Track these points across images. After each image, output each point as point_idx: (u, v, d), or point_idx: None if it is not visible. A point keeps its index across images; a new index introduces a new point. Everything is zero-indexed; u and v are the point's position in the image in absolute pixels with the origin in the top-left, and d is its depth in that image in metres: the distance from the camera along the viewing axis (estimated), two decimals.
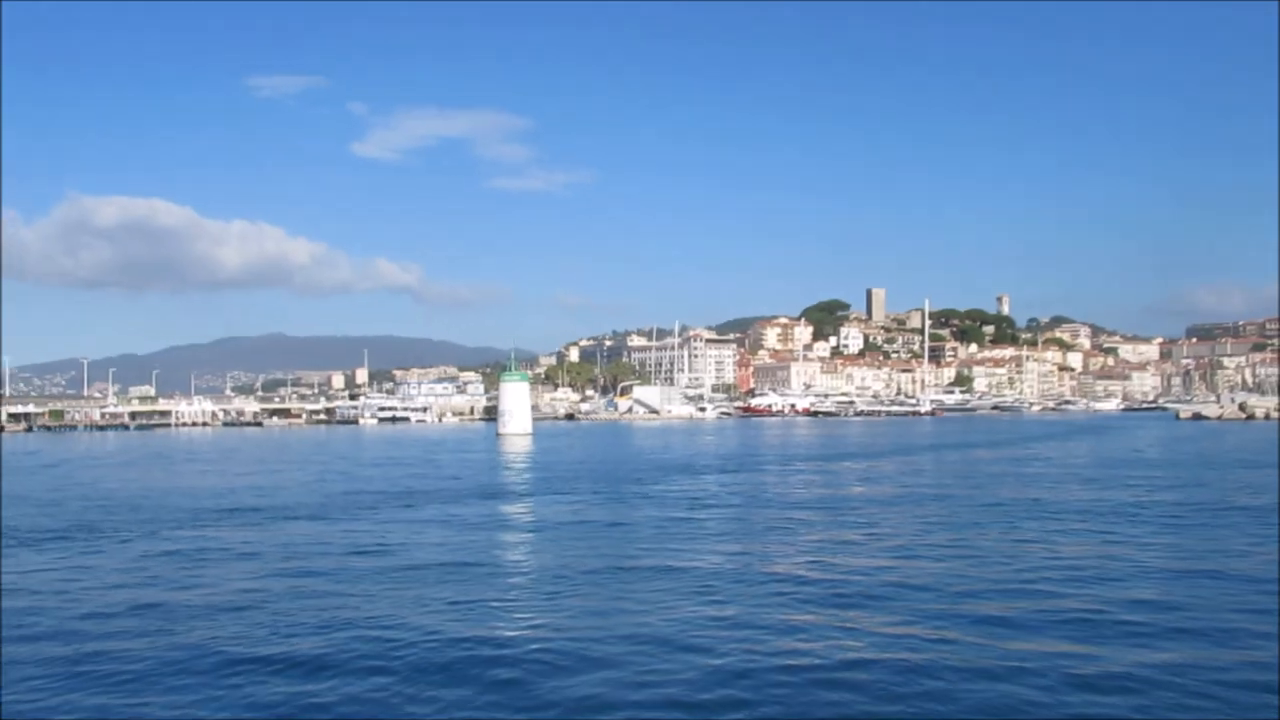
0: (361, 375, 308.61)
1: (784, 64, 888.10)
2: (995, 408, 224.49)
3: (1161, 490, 35.05)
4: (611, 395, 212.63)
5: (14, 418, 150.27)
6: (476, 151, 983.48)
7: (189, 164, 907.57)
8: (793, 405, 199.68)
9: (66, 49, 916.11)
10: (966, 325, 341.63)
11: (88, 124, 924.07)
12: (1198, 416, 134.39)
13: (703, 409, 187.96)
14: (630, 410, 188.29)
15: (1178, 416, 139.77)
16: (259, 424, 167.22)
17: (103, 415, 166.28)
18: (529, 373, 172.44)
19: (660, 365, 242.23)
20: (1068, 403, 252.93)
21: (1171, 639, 12.80)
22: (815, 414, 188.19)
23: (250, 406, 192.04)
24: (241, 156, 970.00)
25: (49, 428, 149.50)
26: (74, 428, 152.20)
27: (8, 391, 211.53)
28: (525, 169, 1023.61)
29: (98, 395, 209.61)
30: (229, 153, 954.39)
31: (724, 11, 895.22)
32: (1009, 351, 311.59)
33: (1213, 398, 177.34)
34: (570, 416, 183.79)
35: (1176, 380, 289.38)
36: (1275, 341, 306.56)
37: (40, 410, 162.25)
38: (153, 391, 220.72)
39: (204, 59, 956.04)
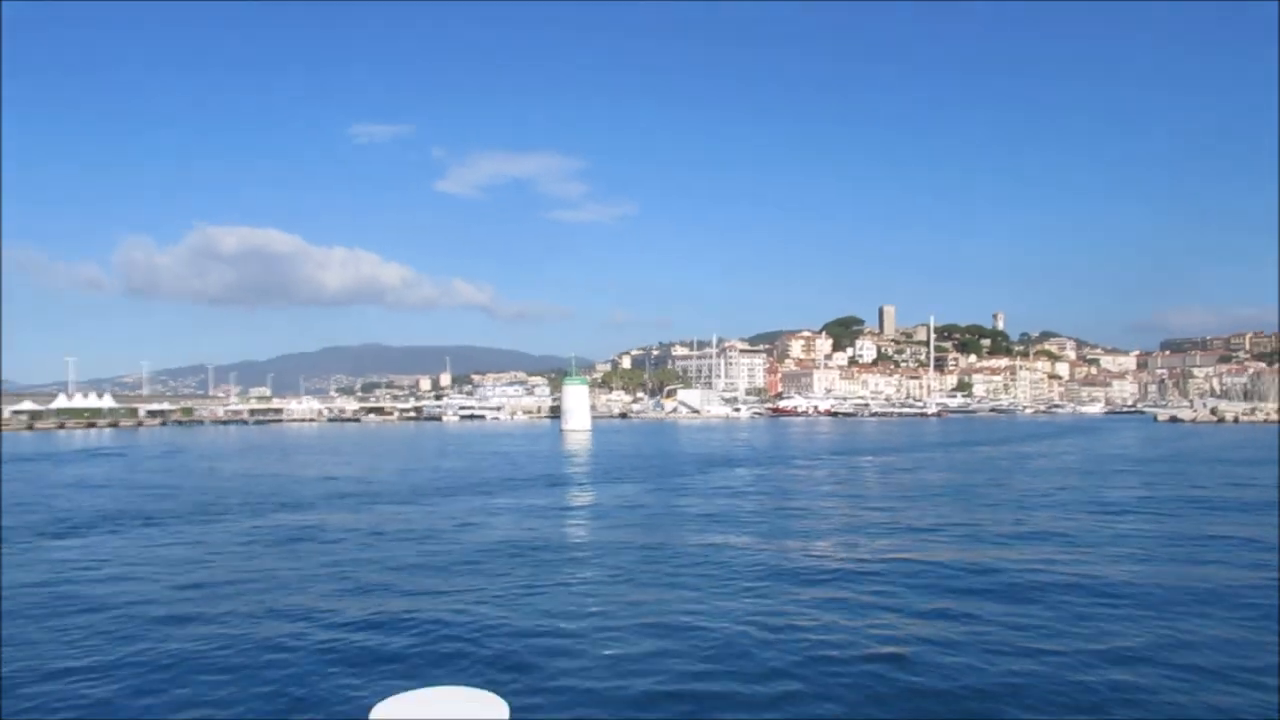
0: (445, 379, 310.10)
1: (801, 107, 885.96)
2: (993, 410, 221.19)
3: (1163, 483, 33.75)
4: (659, 397, 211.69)
5: (152, 414, 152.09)
6: (539, 188, 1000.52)
7: (299, 199, 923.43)
8: (815, 407, 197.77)
9: (194, 106, 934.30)
10: (967, 338, 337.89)
11: (214, 164, 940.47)
12: (1174, 419, 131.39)
13: (737, 410, 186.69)
14: (675, 410, 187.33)
15: (1156, 419, 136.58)
16: (357, 420, 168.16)
17: (226, 412, 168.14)
18: (588, 378, 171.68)
19: (700, 372, 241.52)
20: (1056, 406, 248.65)
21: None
22: (835, 414, 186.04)
23: (350, 405, 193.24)
24: (343, 193, 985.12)
25: (181, 422, 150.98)
26: (201, 423, 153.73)
27: (146, 392, 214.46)
28: (581, 203, 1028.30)
29: (221, 395, 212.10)
30: (332, 189, 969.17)
31: (744, 56, 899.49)
32: (1004, 361, 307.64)
33: (1186, 403, 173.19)
34: (623, 415, 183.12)
35: (1153, 388, 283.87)
36: (1239, 354, 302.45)
37: (174, 408, 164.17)
38: (268, 392, 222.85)
39: (313, 111, 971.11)
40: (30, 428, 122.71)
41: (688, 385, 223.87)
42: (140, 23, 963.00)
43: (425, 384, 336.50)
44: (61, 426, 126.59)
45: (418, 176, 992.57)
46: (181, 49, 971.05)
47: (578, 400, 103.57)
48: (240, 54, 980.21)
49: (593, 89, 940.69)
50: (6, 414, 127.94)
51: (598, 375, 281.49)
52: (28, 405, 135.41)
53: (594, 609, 13.02)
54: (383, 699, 1.57)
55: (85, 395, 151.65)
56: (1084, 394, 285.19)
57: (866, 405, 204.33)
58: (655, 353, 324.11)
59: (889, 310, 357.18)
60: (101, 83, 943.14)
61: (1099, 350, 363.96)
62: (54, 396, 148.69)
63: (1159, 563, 16.68)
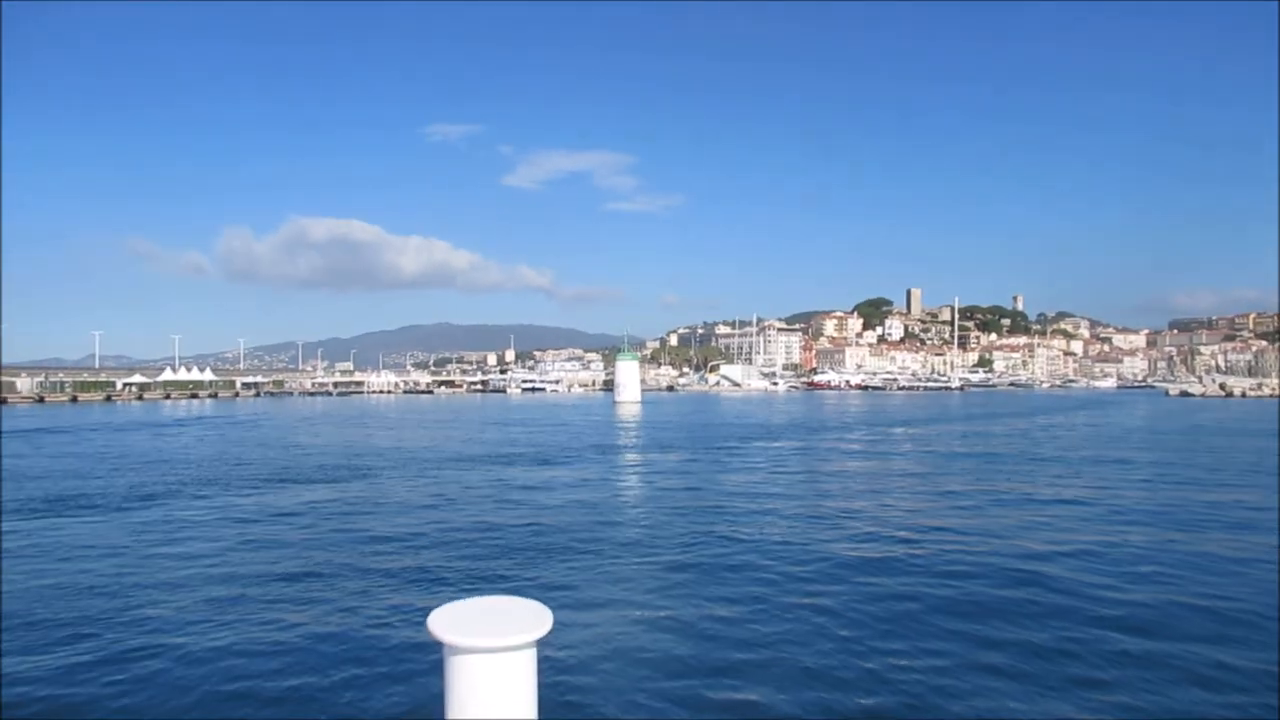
0: (509, 355, 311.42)
1: (833, 104, 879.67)
2: (1012, 385, 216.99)
3: (1200, 455, 31.92)
4: (703, 372, 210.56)
5: (247, 386, 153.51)
6: (595, 182, 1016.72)
7: (380, 193, 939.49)
8: (847, 381, 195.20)
9: (287, 110, 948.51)
10: (988, 318, 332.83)
11: (305, 162, 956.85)
12: (1184, 394, 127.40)
13: (775, 384, 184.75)
14: (718, 384, 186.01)
15: (1167, 394, 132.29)
16: (430, 392, 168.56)
17: (313, 385, 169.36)
18: (638, 354, 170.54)
19: (741, 348, 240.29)
20: (1071, 381, 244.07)
21: None
22: (865, 388, 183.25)
23: (424, 378, 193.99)
24: (419, 186, 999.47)
25: (272, 394, 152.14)
26: (291, 394, 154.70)
27: (243, 366, 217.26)
28: (633, 195, 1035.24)
29: (309, 369, 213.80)
30: (410, 183, 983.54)
31: (776, 55, 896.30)
32: (1023, 340, 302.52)
33: (1194, 378, 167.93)
34: (670, 388, 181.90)
35: (1162, 364, 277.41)
36: (1243, 333, 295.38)
37: (266, 380, 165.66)
38: (351, 367, 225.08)
39: (391, 112, 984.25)
40: (140, 398, 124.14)
41: (730, 361, 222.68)
42: (232, 37, 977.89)
43: (491, 359, 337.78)
44: (167, 397, 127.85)
45: (487, 171, 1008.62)
46: (274, 59, 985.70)
47: (629, 374, 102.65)
48: (325, 62, 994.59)
49: (642, 92, 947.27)
50: (119, 385, 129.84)
51: (648, 351, 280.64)
52: (138, 378, 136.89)
53: (647, 566, 11.96)
54: (439, 606, 2.03)
55: (189, 369, 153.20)
56: (1097, 370, 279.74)
57: (894, 380, 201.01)
58: (700, 331, 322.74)
59: (916, 292, 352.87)
60: (205, 91, 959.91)
61: (1111, 329, 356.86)
62: (161, 370, 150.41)
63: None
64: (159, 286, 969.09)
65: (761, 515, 17.16)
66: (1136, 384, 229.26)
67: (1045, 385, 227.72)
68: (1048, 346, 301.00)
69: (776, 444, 37.42)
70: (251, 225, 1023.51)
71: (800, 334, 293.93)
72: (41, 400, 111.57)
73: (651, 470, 27.07)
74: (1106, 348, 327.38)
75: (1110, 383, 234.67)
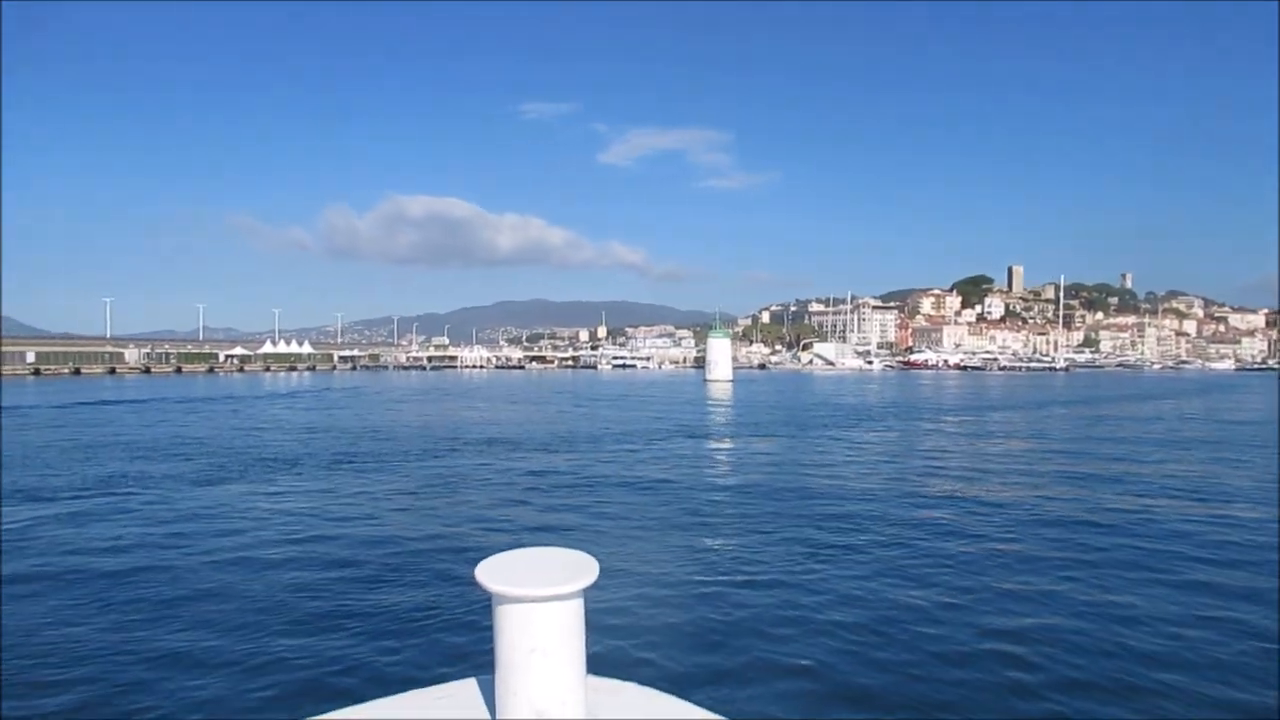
0: (601, 331, 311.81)
1: (932, 78, 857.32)
2: (1120, 365, 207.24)
3: None
4: (795, 350, 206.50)
5: (344, 359, 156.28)
6: (689, 159, 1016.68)
7: (476, 171, 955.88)
8: (945, 361, 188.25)
9: (387, 93, 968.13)
10: (1094, 297, 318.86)
11: (404, 142, 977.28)
12: None
13: (870, 363, 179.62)
14: (810, 362, 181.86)
15: None
16: (522, 367, 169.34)
17: (407, 359, 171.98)
18: (730, 331, 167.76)
19: (835, 326, 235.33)
20: (1184, 363, 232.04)
21: None
22: (964, 368, 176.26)
23: (516, 354, 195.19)
24: (514, 165, 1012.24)
25: (368, 367, 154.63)
26: (386, 368, 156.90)
27: (342, 340, 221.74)
28: (727, 172, 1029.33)
29: (405, 344, 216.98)
30: (505, 162, 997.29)
31: (874, 31, 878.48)
32: (1131, 319, 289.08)
33: None
34: (762, 366, 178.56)
35: None
36: None
37: (362, 354, 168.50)
38: (446, 342, 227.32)
39: (487, 92, 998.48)
40: (241, 370, 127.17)
41: (823, 339, 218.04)
42: (336, 23, 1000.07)
43: (583, 335, 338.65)
44: (267, 369, 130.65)
45: (581, 150, 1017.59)
46: (374, 44, 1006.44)
47: (721, 352, 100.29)
48: (422, 44, 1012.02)
49: (738, 70, 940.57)
50: (221, 357, 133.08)
51: (739, 329, 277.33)
52: (239, 351, 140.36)
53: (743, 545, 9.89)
54: (485, 557, 2.04)
55: (288, 342, 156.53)
56: (1212, 350, 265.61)
57: (995, 360, 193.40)
58: (793, 308, 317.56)
59: (1017, 270, 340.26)
60: (307, 78, 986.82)
61: (1227, 309, 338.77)
62: (262, 343, 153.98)
63: None
64: (263, 262, 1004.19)
65: (873, 515, 14.85)
66: (1256, 366, 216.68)
67: (1156, 366, 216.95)
68: (1158, 326, 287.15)
69: (877, 431, 34.71)
70: (352, 203, 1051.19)
71: (896, 312, 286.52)
72: (148, 371, 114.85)
73: (746, 456, 24.91)
74: (1222, 328, 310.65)
75: (1228, 364, 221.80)
